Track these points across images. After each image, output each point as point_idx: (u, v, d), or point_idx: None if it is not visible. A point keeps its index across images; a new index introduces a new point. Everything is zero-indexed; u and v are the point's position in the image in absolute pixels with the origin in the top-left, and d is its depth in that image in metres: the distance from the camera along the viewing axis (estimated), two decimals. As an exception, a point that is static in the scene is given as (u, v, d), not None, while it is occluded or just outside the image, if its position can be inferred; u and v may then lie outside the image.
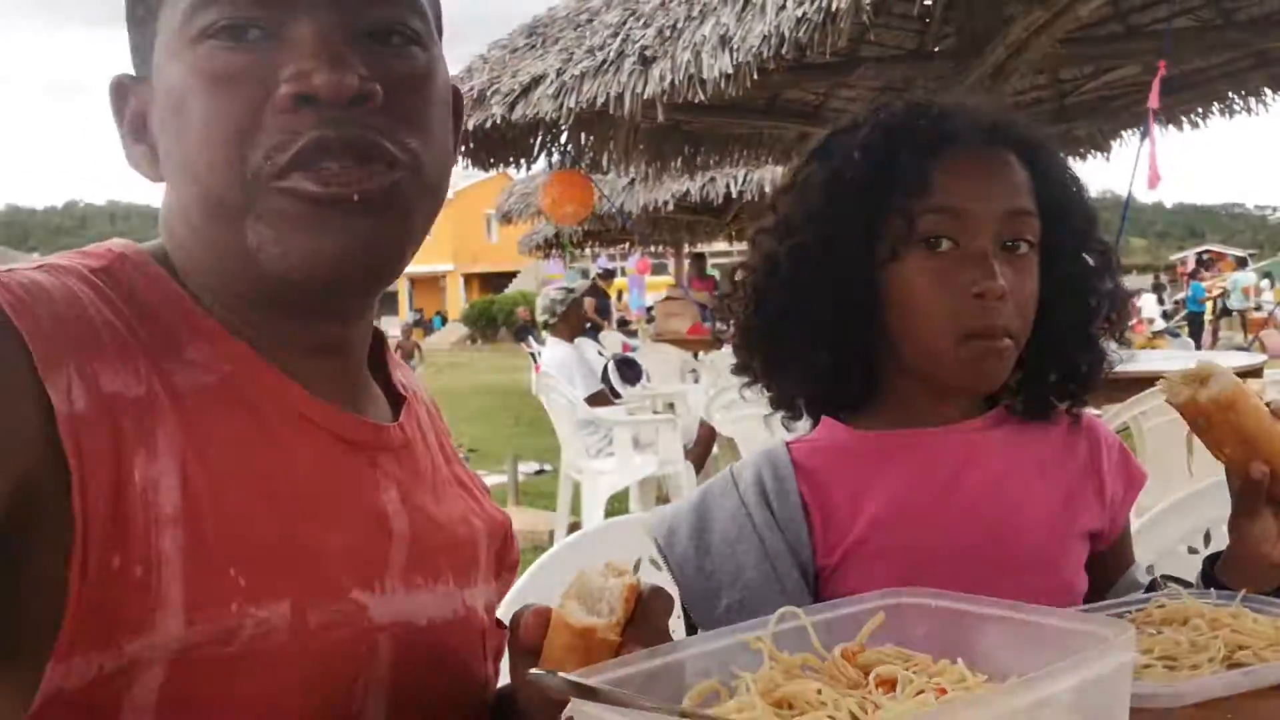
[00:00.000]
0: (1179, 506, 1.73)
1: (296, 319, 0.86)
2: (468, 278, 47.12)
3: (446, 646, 0.91)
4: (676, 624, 1.54)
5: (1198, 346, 16.72)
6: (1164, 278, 31.11)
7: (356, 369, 0.94)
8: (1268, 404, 1.11)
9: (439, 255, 46.00)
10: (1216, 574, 1.13)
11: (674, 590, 1.00)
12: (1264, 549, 1.09)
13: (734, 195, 11.62)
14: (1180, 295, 23.20)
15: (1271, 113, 7.09)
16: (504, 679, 0.97)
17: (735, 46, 4.46)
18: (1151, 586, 1.16)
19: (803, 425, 1.30)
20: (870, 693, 0.71)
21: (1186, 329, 19.68)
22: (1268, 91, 6.84)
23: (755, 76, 4.49)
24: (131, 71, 0.89)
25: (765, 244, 1.25)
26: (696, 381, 7.79)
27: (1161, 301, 22.31)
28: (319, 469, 0.84)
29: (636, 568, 1.84)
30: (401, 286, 47.70)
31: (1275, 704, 0.84)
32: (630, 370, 7.30)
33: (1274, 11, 5.92)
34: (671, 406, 7.05)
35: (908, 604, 0.82)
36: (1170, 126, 7.38)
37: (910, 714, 0.65)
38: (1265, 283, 22.38)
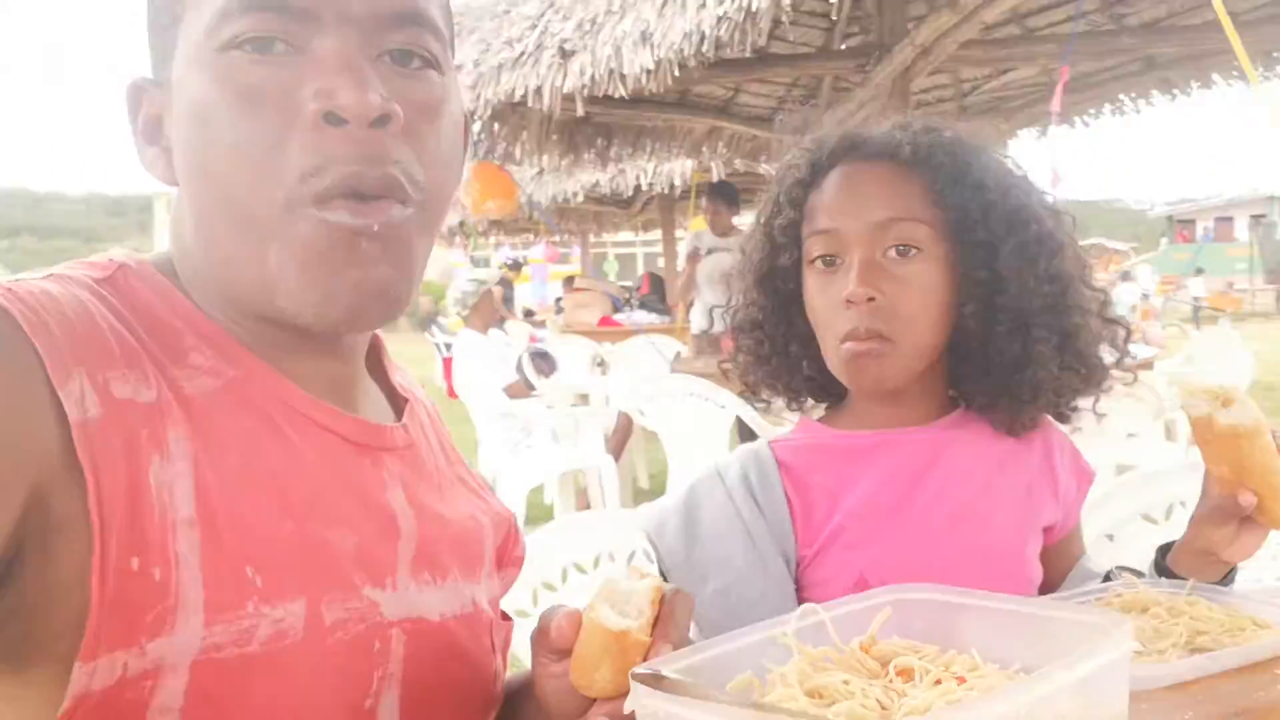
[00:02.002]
0: (1146, 479, 1.83)
1: (299, 331, 0.87)
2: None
3: (457, 641, 0.93)
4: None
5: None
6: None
7: (356, 372, 0.96)
8: None
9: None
10: (1169, 564, 1.20)
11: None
12: (1218, 548, 1.14)
13: (643, 187, 11.66)
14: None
15: (1152, 113, 7.44)
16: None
17: (656, 42, 4.50)
18: (1107, 577, 1.24)
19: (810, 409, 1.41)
20: (891, 682, 0.75)
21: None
22: (1155, 94, 7.16)
23: (676, 73, 4.53)
24: (149, 74, 0.88)
25: (746, 249, 1.37)
26: (604, 374, 7.77)
27: None
28: (326, 469, 0.85)
29: (596, 563, 1.88)
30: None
31: (1236, 685, 0.91)
32: (545, 362, 7.28)
33: (1162, 18, 6.20)
34: (585, 399, 7.05)
35: (908, 599, 0.86)
36: (1065, 126, 7.68)
37: (941, 701, 0.70)
38: (1146, 269, 23.05)
